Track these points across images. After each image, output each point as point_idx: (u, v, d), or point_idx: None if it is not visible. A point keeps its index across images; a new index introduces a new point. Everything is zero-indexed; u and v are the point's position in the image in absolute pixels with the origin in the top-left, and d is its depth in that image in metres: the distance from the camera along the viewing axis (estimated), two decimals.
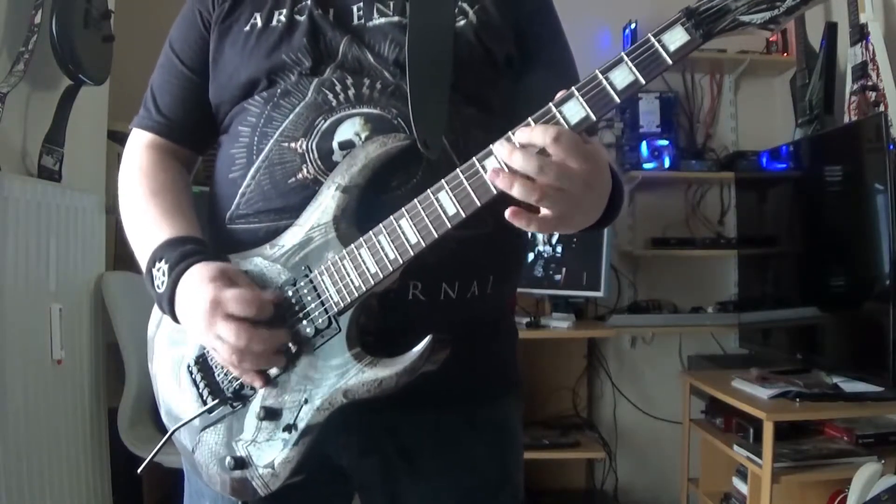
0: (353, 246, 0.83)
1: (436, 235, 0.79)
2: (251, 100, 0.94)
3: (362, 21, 0.94)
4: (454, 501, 0.96)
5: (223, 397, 0.89)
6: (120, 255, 2.49)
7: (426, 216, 0.79)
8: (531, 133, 0.74)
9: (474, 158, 0.78)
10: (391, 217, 0.81)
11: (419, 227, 0.79)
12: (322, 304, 0.84)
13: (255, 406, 0.87)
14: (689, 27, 0.72)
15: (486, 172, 0.77)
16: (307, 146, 0.88)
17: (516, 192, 0.74)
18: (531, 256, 2.85)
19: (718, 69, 3.12)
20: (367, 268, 0.81)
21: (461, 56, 0.92)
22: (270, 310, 0.84)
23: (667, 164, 2.94)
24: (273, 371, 0.86)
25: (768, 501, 2.01)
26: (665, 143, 2.96)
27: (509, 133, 0.76)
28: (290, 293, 0.86)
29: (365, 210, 0.85)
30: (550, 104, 0.76)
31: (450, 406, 0.93)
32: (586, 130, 0.77)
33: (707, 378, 2.55)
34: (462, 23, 0.95)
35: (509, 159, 0.74)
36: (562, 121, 0.75)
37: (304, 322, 0.85)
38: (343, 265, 0.83)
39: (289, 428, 0.85)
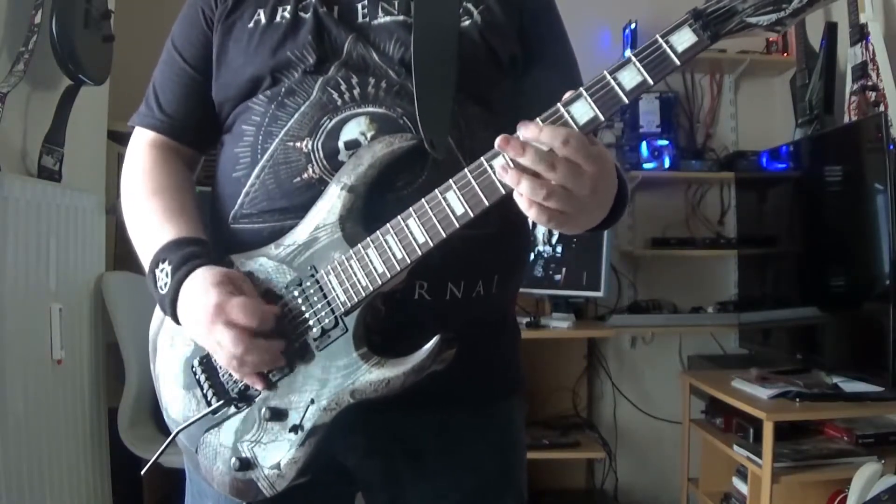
0: (360, 246, 0.83)
1: (444, 235, 0.79)
2: (255, 98, 0.93)
3: (367, 19, 0.94)
4: (458, 502, 0.96)
5: (228, 398, 0.89)
6: (120, 255, 2.49)
7: (434, 216, 0.79)
8: (540, 133, 0.75)
9: (482, 158, 0.78)
10: (398, 217, 0.81)
11: (427, 227, 0.79)
12: (328, 304, 0.84)
13: (260, 406, 0.87)
14: (697, 28, 0.73)
15: (493, 171, 0.77)
16: (312, 146, 0.88)
17: (524, 188, 0.74)
18: (531, 256, 2.85)
19: (718, 69, 3.12)
20: (375, 267, 0.81)
21: (466, 56, 0.92)
22: (272, 322, 0.83)
23: (667, 164, 2.94)
24: (275, 375, 0.86)
25: (768, 501, 2.01)
26: (665, 143, 2.96)
27: (517, 133, 0.76)
28: (295, 293, 0.86)
29: (370, 210, 0.85)
30: (559, 104, 0.76)
31: (455, 406, 0.93)
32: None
33: (707, 378, 2.55)
34: (467, 23, 0.95)
35: (520, 156, 0.74)
36: (570, 121, 0.75)
37: (311, 322, 0.85)
38: (350, 265, 0.83)
39: (295, 428, 0.85)
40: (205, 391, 0.90)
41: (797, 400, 2.11)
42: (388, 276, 0.81)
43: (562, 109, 0.76)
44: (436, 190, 0.79)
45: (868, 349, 2.11)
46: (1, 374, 1.81)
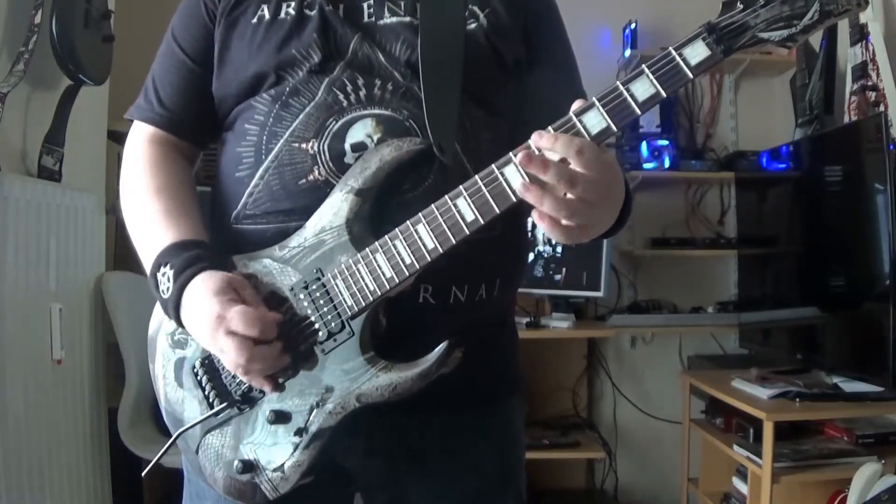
0: (368, 250, 0.82)
1: (453, 241, 0.79)
2: (258, 97, 0.93)
3: (373, 19, 0.94)
4: (458, 502, 0.96)
5: (231, 400, 0.88)
6: (120, 255, 2.49)
7: (444, 222, 0.79)
8: (555, 143, 0.75)
9: (493, 166, 0.78)
10: (408, 222, 0.81)
11: (437, 233, 0.79)
12: (335, 307, 0.84)
13: (264, 409, 0.87)
14: (711, 42, 0.73)
15: (505, 179, 0.77)
16: (319, 147, 0.87)
17: (547, 207, 0.74)
18: (531, 256, 2.85)
19: (718, 69, 3.11)
20: (383, 272, 0.81)
21: (472, 59, 0.92)
22: (274, 330, 0.83)
23: (667, 164, 2.94)
24: (281, 377, 0.86)
25: (768, 501, 2.01)
26: (665, 143, 2.96)
27: (529, 142, 0.76)
28: (301, 296, 0.85)
29: (376, 213, 0.85)
30: (571, 114, 0.76)
31: (456, 407, 0.93)
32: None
33: (707, 378, 2.55)
34: (473, 25, 0.94)
35: (543, 174, 0.74)
36: (582, 131, 0.76)
37: (317, 325, 0.84)
38: (357, 269, 0.82)
39: (300, 431, 0.85)
40: (207, 393, 0.90)
41: (797, 400, 2.11)
42: (397, 280, 0.81)
43: (574, 119, 0.76)
44: (445, 196, 0.79)
45: (868, 349, 2.11)
46: (1, 374, 1.81)
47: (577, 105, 0.76)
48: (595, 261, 2.75)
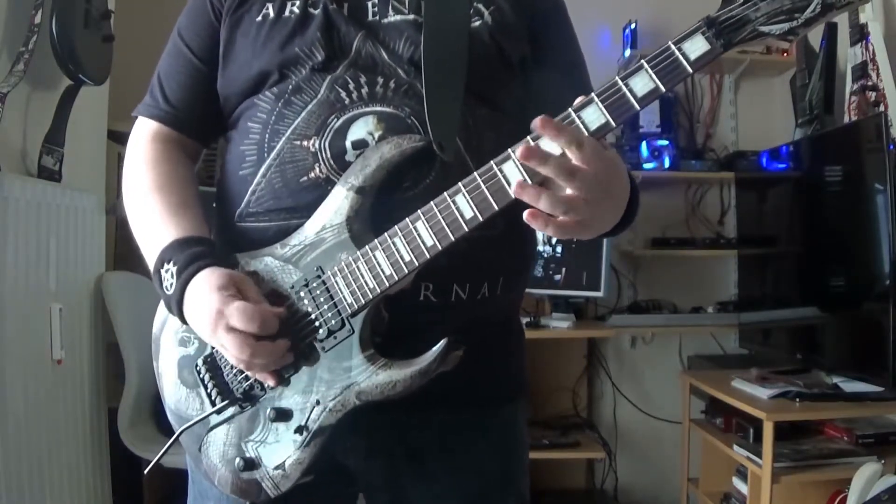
0: (367, 248, 0.82)
1: (452, 238, 0.79)
2: (261, 95, 0.93)
3: (377, 17, 0.94)
4: None
5: (232, 398, 0.89)
6: (120, 255, 2.49)
7: (443, 219, 0.79)
8: (558, 133, 0.74)
9: (492, 162, 0.77)
10: (406, 219, 0.81)
11: (435, 230, 0.79)
12: (335, 305, 0.84)
13: (265, 407, 0.87)
14: (710, 36, 0.73)
15: (504, 176, 0.77)
16: (320, 145, 0.87)
17: (543, 205, 0.74)
18: (536, 259, 2.85)
19: (718, 69, 3.11)
20: (382, 269, 0.81)
21: (476, 56, 0.92)
22: (275, 325, 0.83)
23: (667, 164, 2.94)
24: (285, 372, 0.86)
25: (768, 501, 2.01)
26: (665, 143, 2.96)
27: (529, 137, 0.76)
28: (301, 294, 0.85)
29: (377, 210, 0.85)
30: (570, 109, 0.76)
31: (458, 408, 0.93)
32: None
33: (707, 378, 2.55)
34: (477, 23, 0.94)
35: (542, 167, 0.74)
36: (581, 126, 0.75)
37: (317, 323, 0.84)
38: (357, 266, 0.82)
39: (300, 429, 0.85)
40: (209, 390, 0.90)
41: (797, 400, 2.11)
42: (396, 278, 0.81)
43: (573, 115, 0.76)
44: (444, 193, 0.79)
45: (868, 349, 2.11)
46: (1, 374, 1.81)
47: (577, 101, 0.76)
48: (595, 261, 2.75)
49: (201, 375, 0.91)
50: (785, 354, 2.54)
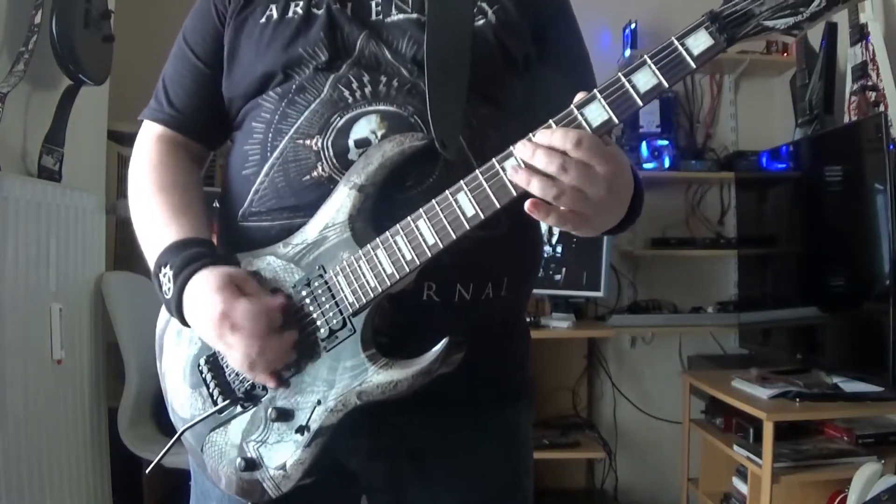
0: (369, 246, 0.82)
1: (453, 237, 0.78)
2: (265, 95, 0.93)
3: (380, 17, 0.93)
4: None
5: (234, 397, 0.88)
6: (120, 255, 2.49)
7: (444, 217, 0.78)
8: (552, 136, 0.74)
9: (494, 160, 0.77)
10: (408, 218, 0.80)
11: (437, 229, 0.79)
12: (336, 304, 0.83)
13: (266, 406, 0.87)
14: (713, 31, 0.72)
15: (506, 173, 0.76)
16: (322, 144, 0.87)
17: (535, 188, 0.74)
18: (543, 260, 2.85)
19: (718, 69, 3.12)
20: (384, 268, 0.81)
21: (479, 55, 0.92)
22: (279, 319, 0.83)
23: (667, 164, 2.94)
24: (286, 373, 0.86)
25: (768, 501, 2.01)
26: (665, 143, 2.96)
27: (530, 135, 0.76)
28: (303, 293, 0.85)
29: (379, 209, 0.84)
30: (572, 106, 0.76)
31: (461, 409, 0.92)
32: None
33: (707, 378, 2.55)
34: (481, 22, 0.94)
35: (532, 158, 0.74)
36: (583, 123, 0.75)
37: (318, 322, 0.84)
38: (359, 265, 0.82)
39: (301, 429, 0.84)
40: (211, 390, 0.90)
41: (797, 400, 2.11)
42: (397, 276, 0.81)
43: (575, 111, 0.75)
44: (446, 191, 0.79)
45: (868, 349, 2.11)
46: (1, 374, 1.81)
47: (578, 97, 0.76)
48: (595, 261, 2.75)
49: (203, 375, 0.91)
50: (785, 354, 2.54)
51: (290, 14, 0.94)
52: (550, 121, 0.76)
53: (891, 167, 1.98)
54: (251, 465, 0.87)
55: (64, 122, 2.07)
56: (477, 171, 0.78)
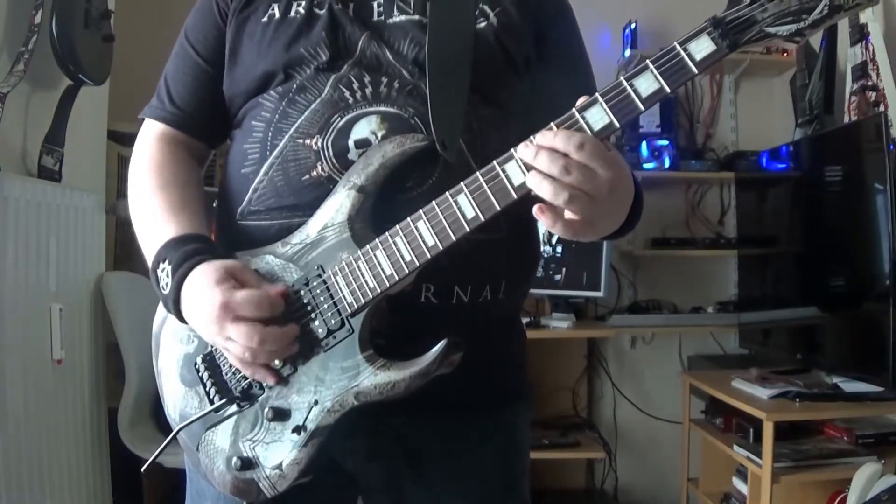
0: (368, 247, 0.82)
1: (453, 238, 0.78)
2: (266, 94, 0.93)
3: (382, 18, 0.94)
4: None
5: (231, 396, 0.88)
6: (120, 255, 2.49)
7: (444, 219, 0.78)
8: (554, 138, 0.74)
9: (494, 162, 0.77)
10: (408, 219, 0.80)
11: (437, 230, 0.79)
12: (335, 304, 0.83)
13: (263, 406, 0.87)
14: (716, 37, 0.72)
15: (506, 176, 0.76)
16: (322, 143, 0.87)
17: (545, 190, 0.74)
18: (540, 263, 2.85)
19: (718, 69, 3.11)
20: (383, 269, 0.81)
21: (481, 57, 0.92)
22: (281, 306, 0.83)
23: (667, 164, 2.94)
24: (284, 371, 0.85)
25: (768, 501, 2.01)
26: (665, 143, 2.96)
27: (532, 137, 0.76)
28: (302, 293, 0.85)
29: (379, 210, 0.84)
30: (574, 109, 0.76)
31: (459, 411, 0.92)
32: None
33: (707, 378, 2.55)
34: (483, 24, 0.94)
35: (534, 160, 0.74)
36: (585, 127, 0.75)
37: (317, 322, 0.84)
38: (358, 266, 0.82)
39: (298, 429, 0.84)
40: (207, 389, 0.90)
41: (797, 400, 2.11)
42: (396, 277, 0.81)
43: (577, 115, 0.76)
44: (446, 192, 0.79)
45: (868, 349, 2.11)
46: (1, 374, 1.81)
47: (581, 101, 0.76)
48: (595, 261, 2.75)
49: (200, 374, 0.91)
50: (785, 354, 2.54)
51: (293, 14, 0.94)
52: (552, 123, 0.76)
53: (891, 167, 1.98)
54: (247, 464, 0.87)
55: (64, 122, 2.07)
56: (477, 172, 0.78)
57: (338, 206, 0.84)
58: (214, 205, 1.00)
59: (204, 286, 0.84)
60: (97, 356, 2.28)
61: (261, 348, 0.82)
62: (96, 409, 2.25)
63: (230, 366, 0.88)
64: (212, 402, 0.89)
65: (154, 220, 0.93)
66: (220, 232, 0.96)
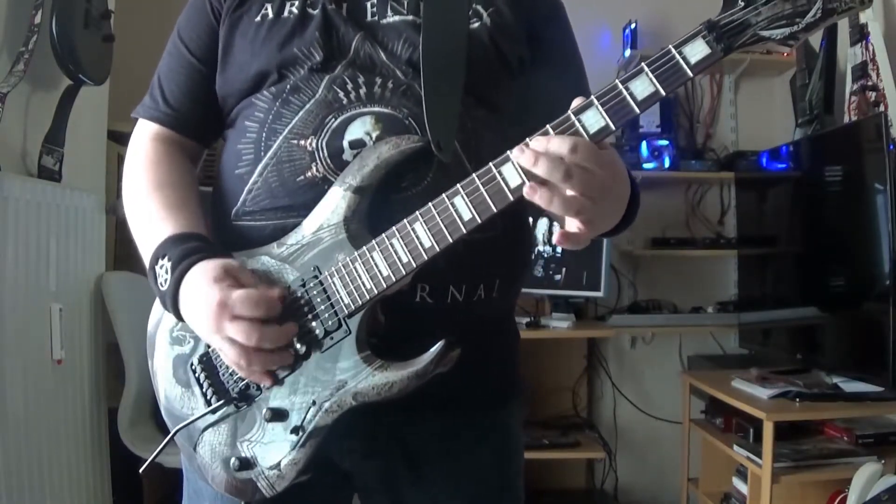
0: (365, 248, 0.82)
1: (450, 240, 0.78)
2: (259, 94, 0.93)
3: (376, 18, 0.94)
4: None
5: (228, 397, 0.88)
6: (120, 255, 2.49)
7: (441, 220, 0.79)
8: (549, 142, 0.75)
9: (491, 164, 0.77)
10: (405, 220, 0.80)
11: (434, 232, 0.79)
12: (332, 305, 0.83)
13: (260, 406, 0.87)
14: (711, 40, 0.73)
15: (503, 178, 0.77)
16: (317, 144, 0.87)
17: (556, 206, 0.74)
18: (533, 261, 2.85)
19: (718, 69, 3.11)
20: (380, 270, 0.81)
21: (475, 58, 0.92)
22: (279, 306, 0.83)
23: (667, 164, 2.94)
24: (281, 372, 0.86)
25: (768, 501, 2.01)
26: (665, 143, 2.96)
27: (527, 140, 0.76)
28: (298, 293, 0.85)
29: (374, 211, 0.85)
30: (570, 112, 0.76)
31: (454, 410, 0.92)
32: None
33: (707, 378, 2.55)
34: (476, 25, 0.94)
35: (533, 166, 0.74)
36: (581, 130, 0.75)
37: (314, 323, 0.84)
38: (354, 267, 0.82)
39: (296, 430, 0.84)
40: (204, 390, 0.90)
41: (797, 400, 2.11)
42: (393, 279, 0.81)
43: (573, 118, 0.76)
44: (443, 195, 0.79)
45: (868, 349, 2.11)
46: (1, 374, 1.81)
47: (575, 103, 0.76)
48: (595, 261, 2.75)
49: (196, 374, 0.91)
50: (785, 354, 2.55)
51: (286, 14, 0.94)
52: (548, 126, 0.76)
53: (891, 167, 1.98)
54: (245, 464, 0.87)
55: (64, 122, 2.07)
56: (473, 175, 0.78)
57: (333, 207, 0.85)
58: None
59: (202, 284, 0.84)
60: (97, 356, 2.28)
61: (258, 347, 0.82)
62: (96, 409, 2.25)
63: (227, 367, 0.88)
64: (209, 404, 0.89)
65: (151, 219, 0.93)
66: (215, 232, 0.96)
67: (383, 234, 0.81)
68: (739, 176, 2.92)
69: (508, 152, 0.77)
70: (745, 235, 2.89)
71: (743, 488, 2.29)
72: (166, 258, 0.88)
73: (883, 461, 1.97)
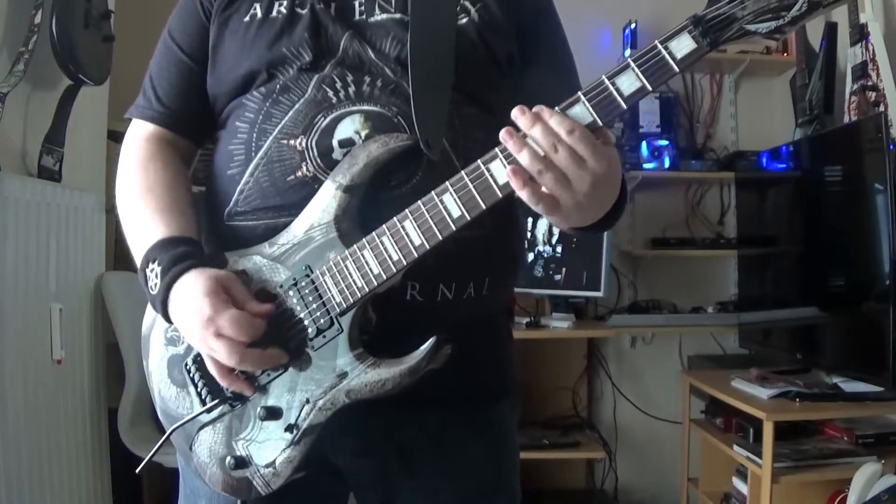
0: (355, 247, 0.82)
1: (440, 238, 0.79)
2: (249, 95, 0.93)
3: (364, 16, 0.94)
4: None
5: (222, 396, 0.89)
6: (120, 255, 2.49)
7: (430, 218, 0.79)
8: (551, 117, 0.75)
9: (479, 161, 0.78)
10: (394, 218, 0.81)
11: (423, 229, 0.79)
12: (324, 304, 0.84)
13: (255, 405, 0.87)
14: (696, 35, 0.73)
15: (491, 175, 0.77)
16: (307, 143, 0.88)
17: (524, 157, 0.74)
18: (531, 256, 2.85)
19: (718, 69, 3.12)
20: (371, 268, 0.81)
21: (463, 54, 0.92)
22: (263, 327, 0.83)
23: (667, 164, 2.94)
24: (262, 379, 0.86)
25: (768, 501, 2.01)
26: (665, 143, 2.96)
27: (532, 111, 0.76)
28: (290, 293, 0.85)
29: (364, 209, 0.85)
30: (556, 108, 0.76)
31: (447, 407, 0.93)
32: None
33: (707, 378, 2.55)
34: (464, 21, 0.94)
35: (531, 129, 0.75)
36: None
37: (306, 322, 0.85)
38: (345, 266, 0.83)
39: (290, 428, 0.85)
40: (199, 389, 0.90)
41: (797, 400, 2.11)
42: (384, 277, 0.81)
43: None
44: (432, 192, 0.79)
45: (868, 349, 2.11)
46: (1, 374, 1.82)
47: (564, 101, 0.76)
48: (595, 261, 2.75)
49: (191, 375, 0.91)
50: (785, 354, 2.54)
51: (275, 13, 0.94)
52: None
53: (891, 167, 1.98)
54: (241, 463, 0.87)
55: (64, 122, 2.08)
56: (462, 172, 0.78)
57: (324, 206, 0.85)
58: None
59: (194, 294, 0.84)
60: (97, 356, 2.28)
61: (239, 367, 0.83)
62: (96, 409, 2.26)
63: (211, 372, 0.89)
64: (203, 403, 0.90)
65: (142, 221, 0.93)
66: (208, 233, 0.96)
67: (374, 233, 0.82)
68: (739, 176, 2.92)
69: (497, 149, 0.77)
70: (745, 235, 2.89)
71: (743, 488, 2.29)
72: (156, 262, 0.88)
73: (883, 461, 1.97)
